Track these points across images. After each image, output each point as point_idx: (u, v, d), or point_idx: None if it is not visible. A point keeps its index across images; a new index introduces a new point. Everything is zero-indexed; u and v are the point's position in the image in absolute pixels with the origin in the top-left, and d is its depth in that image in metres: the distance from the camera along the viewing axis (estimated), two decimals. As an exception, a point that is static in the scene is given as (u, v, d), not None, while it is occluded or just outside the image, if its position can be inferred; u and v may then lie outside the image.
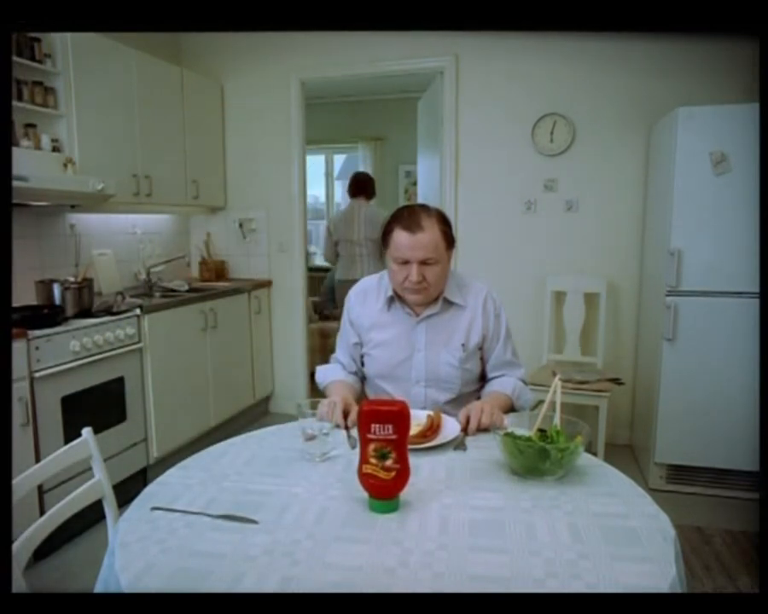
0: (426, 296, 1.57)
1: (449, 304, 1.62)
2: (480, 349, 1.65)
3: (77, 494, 1.26)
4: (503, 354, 1.66)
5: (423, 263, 1.50)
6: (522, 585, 0.85)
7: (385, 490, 1.05)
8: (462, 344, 1.61)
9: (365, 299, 1.70)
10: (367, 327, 1.67)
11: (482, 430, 1.39)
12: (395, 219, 1.56)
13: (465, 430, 1.40)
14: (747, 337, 2.61)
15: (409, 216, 1.53)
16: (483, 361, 1.68)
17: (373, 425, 1.04)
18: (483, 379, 1.70)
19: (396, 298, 1.63)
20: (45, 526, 1.17)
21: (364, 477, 1.05)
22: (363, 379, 1.76)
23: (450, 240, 1.57)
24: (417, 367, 1.61)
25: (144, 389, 2.81)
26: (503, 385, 1.61)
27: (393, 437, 1.03)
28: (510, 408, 1.56)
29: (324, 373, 1.72)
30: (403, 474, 1.05)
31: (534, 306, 3.43)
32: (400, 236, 1.51)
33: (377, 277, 1.73)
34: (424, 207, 1.58)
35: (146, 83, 3.13)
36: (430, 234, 1.50)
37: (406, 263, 1.52)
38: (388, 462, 1.03)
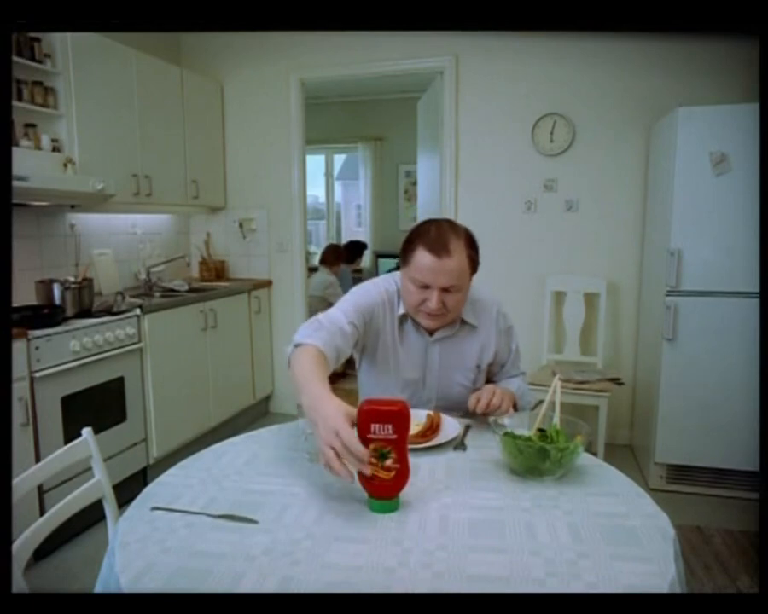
0: (441, 322, 1.48)
1: (463, 323, 1.54)
2: (490, 364, 1.62)
3: (77, 494, 1.26)
4: (511, 369, 1.65)
5: (445, 289, 1.38)
6: (522, 585, 0.84)
7: (385, 490, 1.04)
8: (478, 366, 1.56)
9: (389, 308, 1.52)
10: (377, 332, 1.54)
11: (486, 415, 1.37)
12: (419, 236, 1.40)
13: (474, 410, 1.37)
14: (747, 337, 2.61)
15: (437, 236, 1.38)
16: (490, 373, 1.65)
17: (373, 425, 1.02)
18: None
19: (408, 317, 1.52)
20: (45, 526, 1.17)
21: (364, 478, 1.04)
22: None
23: (474, 266, 1.44)
24: (429, 388, 1.57)
25: (144, 389, 2.81)
26: (509, 383, 1.60)
27: (393, 437, 1.02)
28: (513, 405, 1.55)
29: (306, 335, 1.37)
30: (402, 474, 1.04)
31: (534, 306, 3.43)
32: (424, 258, 1.37)
33: (394, 291, 1.53)
34: (453, 226, 1.43)
35: (146, 84, 3.13)
36: (457, 260, 1.37)
37: (426, 287, 1.39)
38: (388, 462, 1.02)
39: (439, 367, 1.56)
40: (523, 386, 1.61)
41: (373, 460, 1.02)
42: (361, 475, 1.03)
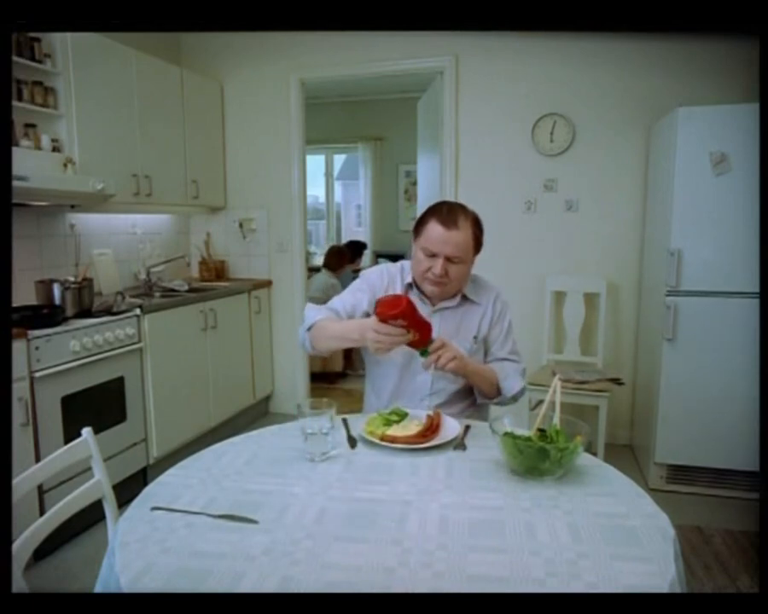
0: (443, 290, 1.61)
1: (465, 299, 1.68)
2: (484, 341, 1.71)
3: (77, 494, 1.26)
4: (500, 350, 1.71)
5: (449, 259, 1.54)
6: (522, 585, 0.85)
7: (419, 344, 1.42)
8: (474, 337, 1.67)
9: (389, 283, 1.70)
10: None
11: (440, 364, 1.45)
12: (433, 212, 1.59)
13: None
14: (747, 337, 2.61)
15: (448, 212, 1.56)
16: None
17: (389, 322, 1.35)
18: None
19: (414, 286, 1.67)
20: (45, 526, 1.17)
21: (407, 344, 1.41)
22: None
23: (478, 245, 1.61)
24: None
25: (144, 389, 2.81)
26: (498, 366, 1.67)
27: (405, 323, 1.35)
28: (496, 389, 1.62)
29: (317, 312, 1.63)
30: (423, 333, 1.40)
31: (534, 306, 3.43)
32: (435, 229, 1.54)
33: (399, 267, 1.74)
34: (462, 207, 1.61)
35: (146, 84, 3.13)
36: (464, 234, 1.54)
37: (434, 255, 1.55)
38: (410, 335, 1.38)
39: (439, 334, 1.60)
40: (510, 370, 1.66)
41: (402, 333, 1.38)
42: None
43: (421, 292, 1.66)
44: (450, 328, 1.65)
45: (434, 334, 1.61)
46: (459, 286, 1.64)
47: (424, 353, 1.45)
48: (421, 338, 1.41)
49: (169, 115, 3.35)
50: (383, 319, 1.36)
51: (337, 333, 1.54)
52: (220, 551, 0.93)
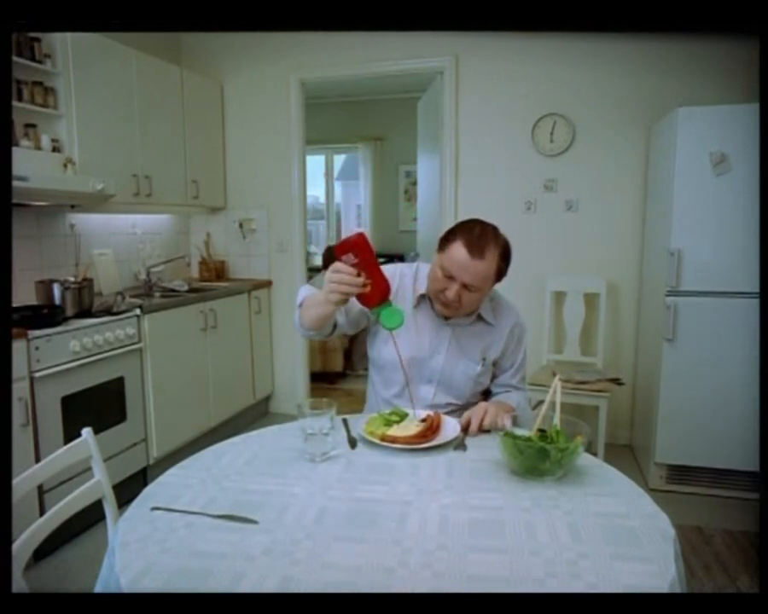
0: (453, 313, 1.56)
1: (479, 319, 1.62)
2: (494, 365, 1.66)
3: (77, 494, 1.26)
4: (511, 379, 1.68)
5: (466, 287, 1.47)
6: (522, 585, 0.84)
7: (369, 299, 1.33)
8: (483, 359, 1.61)
9: (400, 284, 1.65)
10: None
11: (483, 431, 1.39)
12: (463, 230, 1.50)
13: (465, 430, 1.40)
14: (747, 337, 2.61)
15: (479, 236, 1.47)
16: (493, 377, 1.69)
17: (342, 258, 1.30)
18: (486, 393, 1.71)
19: (428, 298, 1.62)
20: (45, 526, 1.17)
21: (357, 295, 1.32)
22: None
23: (500, 277, 1.55)
24: (433, 368, 1.61)
25: (144, 389, 2.81)
26: (509, 398, 1.62)
27: (356, 260, 1.29)
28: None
29: (308, 290, 1.66)
30: (376, 285, 1.31)
31: (534, 306, 3.42)
32: (459, 251, 1.45)
33: (413, 269, 1.68)
34: (495, 234, 1.52)
35: (146, 84, 3.13)
36: (487, 265, 1.46)
37: (451, 278, 1.47)
38: (362, 279, 1.30)
39: (447, 350, 1.61)
40: (523, 403, 1.63)
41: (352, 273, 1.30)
42: (357, 296, 1.33)
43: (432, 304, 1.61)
44: (460, 346, 1.61)
45: (443, 347, 1.60)
46: (471, 309, 1.57)
47: (381, 314, 1.34)
48: (373, 289, 1.31)
49: (169, 115, 3.35)
50: (336, 254, 1.32)
51: (314, 299, 1.50)
52: (220, 551, 0.93)
